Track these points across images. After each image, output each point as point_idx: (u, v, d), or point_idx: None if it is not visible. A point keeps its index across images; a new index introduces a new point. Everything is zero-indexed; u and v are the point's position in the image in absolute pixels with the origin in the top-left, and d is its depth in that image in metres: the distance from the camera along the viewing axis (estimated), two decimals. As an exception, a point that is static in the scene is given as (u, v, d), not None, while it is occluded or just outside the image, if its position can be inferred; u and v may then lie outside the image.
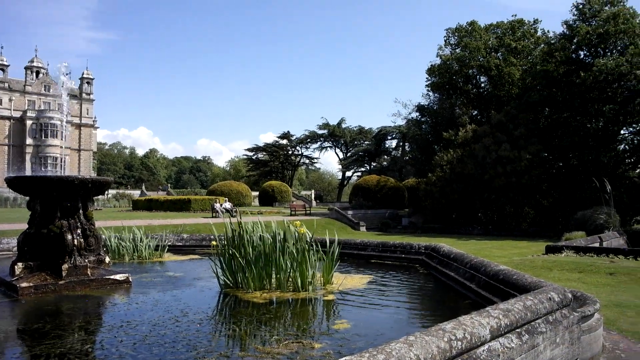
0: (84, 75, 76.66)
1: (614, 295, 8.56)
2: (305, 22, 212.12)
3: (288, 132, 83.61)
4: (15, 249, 8.14)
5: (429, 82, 45.64)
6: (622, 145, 37.20)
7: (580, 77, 33.18)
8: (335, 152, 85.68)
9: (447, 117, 43.02)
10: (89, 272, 7.41)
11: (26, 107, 69.86)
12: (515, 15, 42.87)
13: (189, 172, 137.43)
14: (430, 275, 8.58)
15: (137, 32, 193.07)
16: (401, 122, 59.91)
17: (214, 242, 7.80)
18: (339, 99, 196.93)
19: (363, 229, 35.20)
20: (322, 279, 7.43)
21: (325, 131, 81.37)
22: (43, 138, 69.07)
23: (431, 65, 44.70)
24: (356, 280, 7.95)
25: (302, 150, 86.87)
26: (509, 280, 5.62)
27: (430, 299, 7.25)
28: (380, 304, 6.43)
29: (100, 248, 8.03)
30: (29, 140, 68.68)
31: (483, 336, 3.26)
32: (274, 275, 7.17)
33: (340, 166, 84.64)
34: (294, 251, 7.13)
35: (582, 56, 36.44)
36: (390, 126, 72.55)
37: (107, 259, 8.07)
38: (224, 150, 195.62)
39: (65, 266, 7.22)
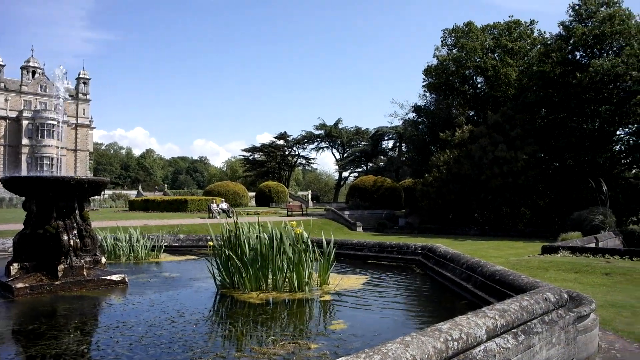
0: (81, 76, 76.53)
1: (610, 295, 8.59)
2: (301, 23, 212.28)
3: (285, 132, 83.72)
4: (11, 249, 8.11)
5: (425, 83, 45.67)
6: (618, 146, 37.28)
7: (576, 77, 33.25)
8: (332, 153, 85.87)
9: (443, 118, 43.05)
10: (85, 273, 7.39)
11: (22, 107, 69.66)
12: (512, 16, 42.93)
13: (185, 172, 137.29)
14: (427, 275, 8.59)
15: (133, 33, 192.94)
16: (398, 122, 59.92)
17: (210, 243, 7.79)
18: (335, 99, 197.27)
19: (360, 229, 35.18)
20: (318, 279, 7.43)
21: (322, 131, 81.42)
22: (39, 138, 68.86)
23: (428, 65, 44.72)
24: (353, 281, 7.96)
25: (299, 151, 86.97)
26: (505, 280, 5.63)
27: (427, 300, 7.25)
28: (376, 305, 6.43)
29: (97, 248, 8.01)
30: (24, 141, 68.46)
31: (479, 336, 3.26)
32: (270, 276, 7.17)
33: (337, 167, 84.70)
34: (291, 252, 7.13)
35: (578, 57, 36.51)
36: (387, 127, 72.65)
37: (103, 260, 8.05)
38: (220, 150, 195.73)
39: (61, 267, 7.20)
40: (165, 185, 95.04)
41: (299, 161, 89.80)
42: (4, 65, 69.25)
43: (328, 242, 7.67)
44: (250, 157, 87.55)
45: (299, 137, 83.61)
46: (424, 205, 38.78)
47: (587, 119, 35.69)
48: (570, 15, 36.99)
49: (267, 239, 7.29)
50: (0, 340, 4.86)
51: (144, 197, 48.50)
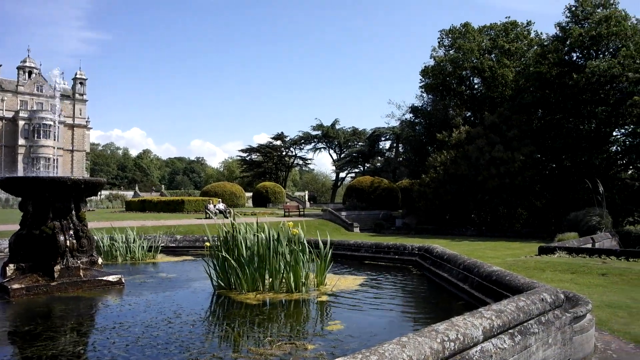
0: (77, 76, 76.35)
1: (606, 295, 8.61)
2: (298, 24, 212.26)
3: (282, 133, 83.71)
4: (7, 250, 8.09)
5: (422, 84, 45.73)
6: (615, 147, 37.37)
7: (573, 79, 33.36)
8: (329, 153, 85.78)
9: (440, 119, 43.11)
10: (81, 274, 7.37)
11: (18, 108, 69.46)
12: (509, 17, 43.04)
13: (182, 173, 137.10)
14: (424, 276, 8.60)
15: (130, 33, 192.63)
16: (395, 123, 59.95)
17: (207, 244, 7.78)
18: (332, 100, 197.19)
19: (357, 230, 35.20)
20: (315, 280, 7.43)
21: (319, 132, 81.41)
22: (35, 138, 68.68)
23: (425, 66, 44.77)
24: (350, 282, 7.96)
25: (296, 151, 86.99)
26: (502, 281, 5.64)
27: (424, 300, 7.26)
28: (373, 305, 6.43)
29: (93, 249, 8.00)
30: (21, 141, 68.28)
31: (476, 337, 3.27)
32: (267, 277, 7.17)
33: (334, 167, 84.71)
34: (287, 252, 7.13)
35: (574, 58, 36.62)
36: (384, 127, 72.62)
37: (100, 260, 8.04)
38: (217, 151, 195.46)
39: (57, 267, 7.18)
40: (162, 185, 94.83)
41: (296, 162, 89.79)
42: (0, 65, 69.08)
43: (325, 243, 7.67)
44: (247, 158, 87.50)
45: (296, 137, 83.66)
46: (421, 205, 38.81)
47: (583, 119, 35.82)
48: (566, 17, 37.12)
49: (264, 239, 7.29)
50: (-4, 341, 4.84)
51: (141, 198, 48.44)
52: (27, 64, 72.21)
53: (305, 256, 7.21)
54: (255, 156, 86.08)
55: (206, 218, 31.37)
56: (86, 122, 77.73)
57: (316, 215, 38.96)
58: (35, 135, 68.70)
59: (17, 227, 7.72)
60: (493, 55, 41.87)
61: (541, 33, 42.35)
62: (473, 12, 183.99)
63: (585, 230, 24.08)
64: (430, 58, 44.90)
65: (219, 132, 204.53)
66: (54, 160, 68.50)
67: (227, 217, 29.31)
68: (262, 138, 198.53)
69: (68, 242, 7.38)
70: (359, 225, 36.02)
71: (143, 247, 11.06)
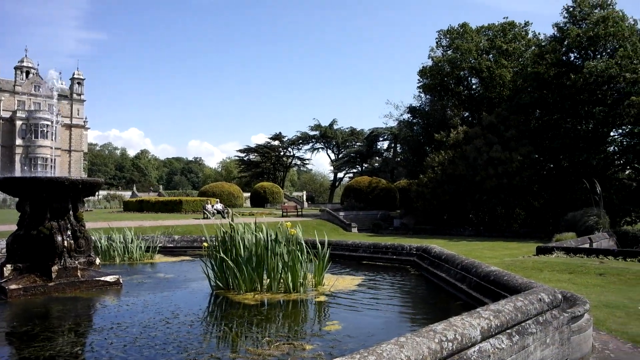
0: (75, 76, 76.18)
1: (604, 295, 8.62)
2: (296, 24, 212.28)
3: (280, 133, 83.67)
4: (4, 250, 8.07)
5: (420, 84, 45.73)
6: (612, 147, 37.43)
7: (570, 79, 33.40)
8: (327, 154, 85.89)
9: (438, 119, 43.13)
10: (79, 274, 7.36)
11: (16, 108, 69.26)
12: (507, 18, 43.07)
13: (180, 173, 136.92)
14: (422, 276, 8.60)
15: (128, 33, 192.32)
16: (393, 123, 60.03)
17: (205, 244, 7.78)
18: (330, 100, 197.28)
19: (355, 230, 35.21)
20: (313, 280, 7.43)
21: (317, 132, 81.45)
22: (33, 139, 68.49)
23: (423, 66, 44.76)
24: (347, 282, 7.96)
25: (294, 152, 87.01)
26: (499, 281, 5.64)
27: (422, 300, 7.26)
28: (371, 306, 6.43)
29: (91, 249, 7.98)
30: (18, 141, 68.10)
31: (474, 337, 3.27)
32: (265, 277, 7.17)
33: (332, 167, 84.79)
34: (285, 253, 7.13)
35: (572, 58, 36.67)
36: (382, 127, 72.72)
37: (98, 261, 8.02)
38: (215, 151, 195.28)
39: (55, 268, 7.17)
40: (160, 186, 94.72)
41: (294, 162, 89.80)
42: (-3, 66, 68.95)
43: (323, 243, 7.67)
44: (245, 158, 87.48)
45: (294, 137, 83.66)
46: (419, 206, 38.84)
47: (581, 120, 35.88)
48: (564, 17, 37.17)
49: (262, 239, 7.29)
50: (-7, 342, 4.83)
51: (139, 198, 48.40)
52: (25, 63, 72.02)
53: (303, 256, 7.21)
54: (253, 156, 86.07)
55: (204, 218, 31.34)
56: (84, 122, 77.55)
57: (314, 216, 38.96)
58: (33, 135, 68.52)
59: (14, 227, 7.71)
60: (491, 56, 41.90)
61: (539, 33, 42.47)
62: (471, 13, 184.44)
63: (583, 230, 24.11)
64: (428, 58, 44.96)
65: (216, 133, 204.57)
66: (51, 160, 68.36)
67: (224, 217, 29.28)
68: (260, 138, 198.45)
69: (65, 242, 7.37)
70: (356, 226, 36.03)
71: (141, 247, 11.06)
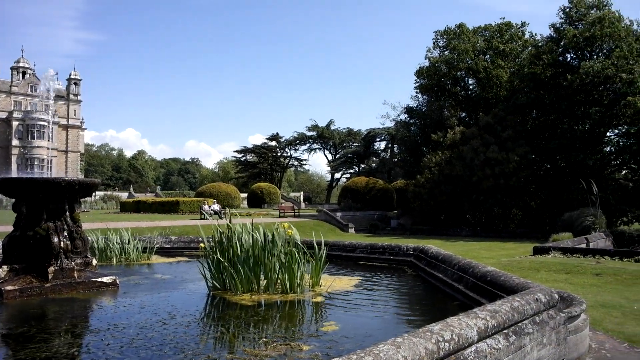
0: (71, 76, 75.98)
1: (600, 295, 8.64)
2: (293, 25, 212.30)
3: (277, 133, 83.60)
4: (0, 251, 8.05)
5: (417, 84, 45.77)
6: (608, 147, 37.53)
7: (567, 79, 33.47)
8: (324, 154, 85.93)
9: (435, 119, 43.17)
10: (75, 275, 7.34)
11: (12, 108, 69.05)
12: (503, 18, 43.13)
13: (177, 173, 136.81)
14: (419, 276, 8.61)
15: (125, 33, 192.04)
16: (390, 124, 60.02)
17: (202, 245, 7.77)
18: (328, 100, 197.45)
19: (352, 230, 35.21)
20: (310, 281, 7.43)
21: (314, 133, 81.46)
22: (29, 139, 68.28)
23: (420, 67, 44.79)
24: (345, 282, 7.96)
25: (291, 152, 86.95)
26: (496, 281, 5.65)
27: (418, 301, 7.26)
28: (368, 306, 6.43)
29: (87, 250, 7.97)
30: (15, 142, 67.88)
31: (470, 337, 3.27)
32: (262, 278, 7.16)
33: (329, 168, 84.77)
34: (282, 253, 7.12)
35: (568, 59, 36.74)
36: (379, 128, 72.80)
37: (94, 262, 8.01)
38: (212, 152, 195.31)
39: (51, 269, 7.15)
40: (157, 186, 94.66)
41: (291, 162, 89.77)
42: (-6, 66, 68.72)
43: (320, 244, 7.67)
44: (242, 159, 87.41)
45: (291, 138, 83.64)
46: (416, 206, 38.86)
47: (577, 120, 35.94)
48: (560, 18, 37.24)
49: (259, 240, 7.29)
50: (-11, 344, 4.81)
51: (136, 199, 48.30)
52: (21, 64, 71.84)
53: (300, 257, 7.20)
54: (251, 157, 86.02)
55: (201, 219, 31.30)
56: (80, 122, 77.37)
57: (311, 216, 38.95)
58: (29, 136, 68.31)
59: (10, 228, 7.69)
60: (488, 56, 41.96)
61: (535, 34, 42.52)
62: (468, 13, 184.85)
63: (579, 230, 24.16)
64: (425, 59, 44.98)
65: (214, 133, 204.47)
66: (48, 161, 68.17)
67: (222, 218, 29.25)
68: (257, 139, 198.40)
69: (62, 243, 7.35)
70: (354, 226, 36.03)
71: (138, 248, 11.04)
